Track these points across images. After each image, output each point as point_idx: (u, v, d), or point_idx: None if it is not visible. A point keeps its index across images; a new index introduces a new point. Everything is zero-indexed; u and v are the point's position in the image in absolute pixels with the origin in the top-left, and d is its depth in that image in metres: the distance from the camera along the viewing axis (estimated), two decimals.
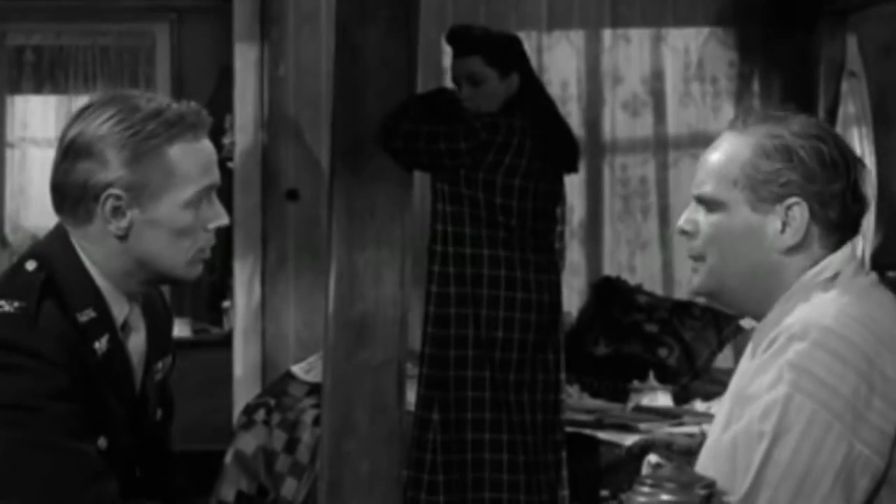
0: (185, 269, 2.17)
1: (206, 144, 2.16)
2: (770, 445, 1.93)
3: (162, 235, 2.12)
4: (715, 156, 2.13)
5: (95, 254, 2.13)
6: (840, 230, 2.10)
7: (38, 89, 7.67)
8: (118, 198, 2.09)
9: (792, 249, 2.08)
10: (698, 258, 2.15)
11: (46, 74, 7.66)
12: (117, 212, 2.10)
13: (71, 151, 2.11)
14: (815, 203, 2.07)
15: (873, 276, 2.15)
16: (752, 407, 1.98)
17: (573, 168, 4.52)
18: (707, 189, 2.12)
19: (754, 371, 2.03)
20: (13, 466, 2.00)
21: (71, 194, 2.12)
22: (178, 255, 2.14)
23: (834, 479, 1.92)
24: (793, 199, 2.06)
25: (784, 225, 2.07)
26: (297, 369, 5.57)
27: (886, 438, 1.94)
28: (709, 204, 2.12)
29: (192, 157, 2.12)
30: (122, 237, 2.12)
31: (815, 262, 2.08)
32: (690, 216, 2.16)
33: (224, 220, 2.19)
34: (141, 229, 2.11)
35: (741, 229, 2.09)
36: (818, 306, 2.02)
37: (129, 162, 2.08)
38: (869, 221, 6.08)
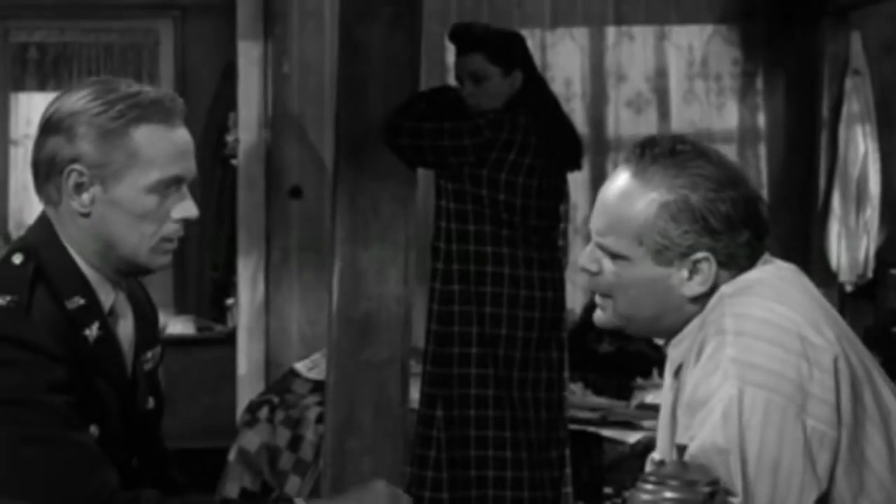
0: (148, 257, 2.16)
1: (180, 134, 2.15)
2: (741, 445, 1.94)
3: (123, 217, 2.12)
4: (614, 204, 2.11)
5: (71, 237, 2.14)
6: (750, 264, 2.11)
7: (41, 86, 7.67)
8: (80, 174, 2.10)
9: (699, 296, 2.09)
10: (605, 296, 2.16)
11: (50, 72, 7.66)
12: (80, 188, 2.11)
13: (46, 127, 2.14)
14: (722, 256, 2.07)
15: (778, 260, 2.17)
16: (704, 412, 1.98)
17: (577, 165, 4.52)
18: (609, 242, 2.11)
19: (695, 378, 2.04)
20: (14, 461, 2.00)
21: (42, 170, 2.14)
22: (142, 241, 2.14)
23: (803, 458, 1.94)
24: (700, 255, 2.07)
25: (691, 273, 2.08)
26: (300, 367, 5.57)
27: (830, 407, 1.97)
28: (611, 254, 2.12)
29: (159, 142, 2.11)
30: (86, 215, 2.12)
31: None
32: (594, 256, 2.15)
33: (191, 213, 2.17)
34: (103, 209, 2.12)
35: (646, 281, 2.09)
36: (740, 301, 2.05)
37: (94, 138, 2.10)
38: (873, 219, 6.08)
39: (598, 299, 2.19)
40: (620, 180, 2.11)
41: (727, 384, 1.96)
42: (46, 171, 2.14)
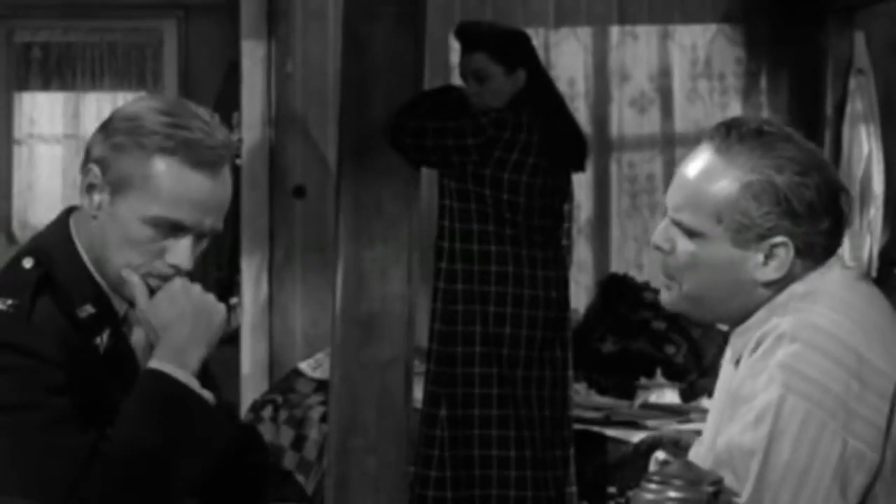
0: (126, 287, 2.10)
1: (203, 182, 2.07)
2: (767, 449, 1.92)
3: (116, 235, 2.08)
4: (695, 179, 2.06)
5: (83, 238, 2.12)
6: (826, 257, 2.06)
7: (45, 86, 7.68)
8: (96, 175, 2.09)
9: (773, 282, 2.04)
10: (672, 278, 2.11)
11: (54, 71, 7.66)
12: (91, 189, 2.10)
13: (104, 120, 2.14)
14: (800, 243, 2.02)
15: (858, 268, 2.14)
16: (745, 409, 1.96)
17: (580, 167, 4.52)
18: (686, 217, 2.06)
19: (744, 373, 2.02)
20: (10, 465, 1.99)
21: (83, 159, 2.14)
22: (126, 268, 2.08)
23: (832, 476, 1.91)
24: (778, 239, 2.02)
25: (767, 258, 2.03)
26: (304, 366, 5.58)
27: (878, 431, 1.94)
28: (687, 231, 2.07)
29: (173, 180, 2.06)
30: (94, 217, 2.10)
31: (796, 280, 2.06)
32: (667, 234, 2.10)
33: (180, 262, 2.08)
34: (105, 218, 2.09)
35: (721, 262, 2.04)
36: (807, 307, 2.01)
37: (120, 147, 2.07)
38: (877, 218, 6.08)
39: (664, 280, 2.14)
40: (703, 157, 2.06)
41: (771, 388, 1.93)
42: (83, 161, 2.13)
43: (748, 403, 1.97)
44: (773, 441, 1.92)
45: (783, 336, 1.97)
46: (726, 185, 2.02)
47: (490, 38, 4.34)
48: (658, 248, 2.11)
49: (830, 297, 2.03)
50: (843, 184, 2.09)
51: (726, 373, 2.15)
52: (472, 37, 4.37)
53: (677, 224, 2.08)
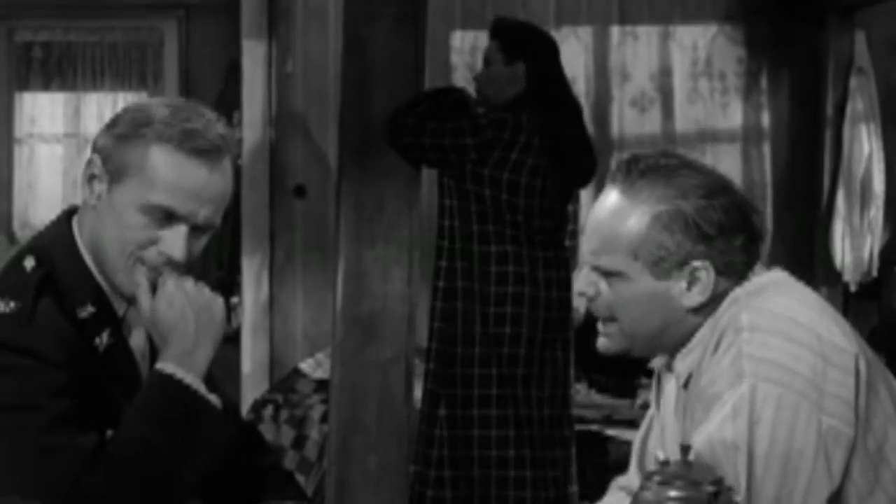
0: (122, 277, 2.11)
1: (200, 173, 2.08)
2: (750, 441, 1.94)
3: (111, 223, 2.09)
4: (605, 222, 2.10)
5: (84, 235, 2.13)
6: (747, 271, 2.10)
7: (46, 86, 7.67)
8: (97, 165, 2.11)
9: (701, 306, 2.09)
10: (608, 320, 2.16)
11: (54, 71, 7.65)
12: (92, 179, 2.11)
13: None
14: (719, 263, 2.07)
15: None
16: (718, 406, 1.98)
17: (583, 184, 4.54)
18: (604, 261, 2.11)
19: (710, 375, 2.04)
20: (11, 466, 1.99)
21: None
22: (121, 255, 2.09)
23: (814, 456, 1.94)
24: (697, 264, 2.07)
25: (689, 284, 2.08)
26: (304, 366, 5.57)
27: (848, 405, 1.97)
28: (607, 274, 2.11)
29: (169, 168, 2.07)
30: (94, 208, 2.11)
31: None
32: (589, 279, 2.15)
33: (173, 253, 2.08)
34: (103, 208, 2.10)
35: (646, 296, 2.09)
36: (757, 300, 2.05)
37: (121, 137, 2.09)
38: (877, 218, 6.07)
39: (599, 326, 2.19)
40: (609, 199, 2.11)
41: (740, 380, 1.96)
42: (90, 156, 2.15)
43: (720, 400, 1.99)
44: (753, 431, 1.94)
45: (742, 328, 2.01)
46: (635, 221, 2.07)
47: (507, 29, 4.44)
48: (583, 293, 2.17)
49: (776, 286, 2.08)
50: (749, 200, 2.14)
51: (672, 397, 2.19)
52: (496, 26, 4.47)
53: (596, 269, 2.13)
